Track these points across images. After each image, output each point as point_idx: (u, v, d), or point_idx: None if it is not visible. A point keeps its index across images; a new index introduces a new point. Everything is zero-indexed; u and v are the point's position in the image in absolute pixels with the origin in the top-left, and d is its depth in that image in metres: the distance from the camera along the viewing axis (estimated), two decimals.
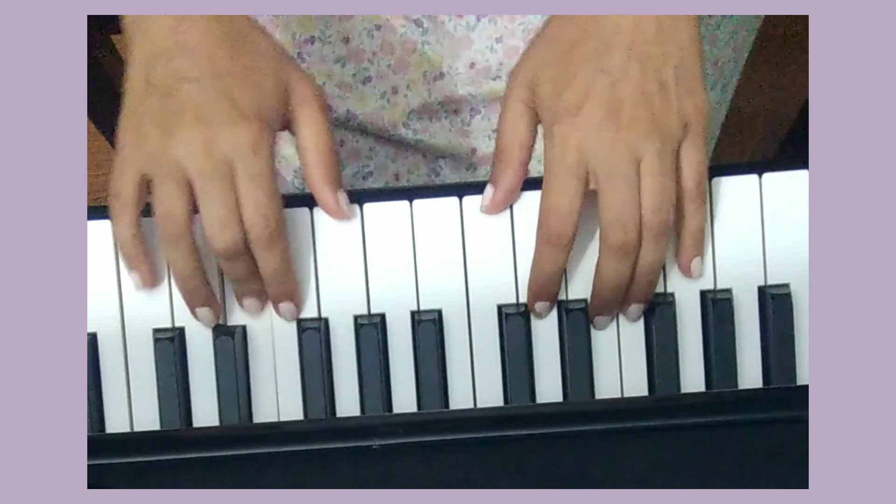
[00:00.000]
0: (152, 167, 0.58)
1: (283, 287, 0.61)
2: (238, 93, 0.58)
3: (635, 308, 0.61)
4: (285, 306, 0.62)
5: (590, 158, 0.57)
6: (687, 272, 0.62)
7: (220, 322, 0.62)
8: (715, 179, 0.62)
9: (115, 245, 0.62)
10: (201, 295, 0.61)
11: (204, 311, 0.61)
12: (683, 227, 0.60)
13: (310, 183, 0.61)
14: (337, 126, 0.78)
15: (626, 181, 0.57)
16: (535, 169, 0.70)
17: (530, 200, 0.61)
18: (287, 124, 0.61)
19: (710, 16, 0.76)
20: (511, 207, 0.62)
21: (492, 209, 0.61)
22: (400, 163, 0.80)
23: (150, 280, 0.61)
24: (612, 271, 0.59)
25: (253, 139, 0.57)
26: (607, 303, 0.61)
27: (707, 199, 0.60)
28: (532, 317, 0.62)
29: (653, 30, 0.58)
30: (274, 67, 0.60)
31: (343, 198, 0.61)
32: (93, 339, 0.62)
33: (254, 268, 0.60)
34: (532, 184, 0.61)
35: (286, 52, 0.62)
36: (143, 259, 0.61)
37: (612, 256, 0.59)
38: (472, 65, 0.75)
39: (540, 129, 0.60)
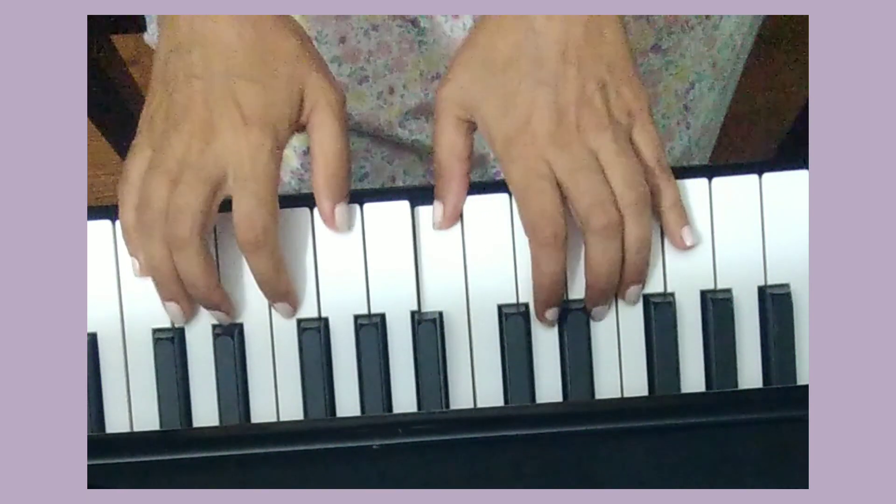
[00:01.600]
0: (152, 156, 0.59)
1: (275, 289, 0.61)
2: (245, 97, 0.58)
3: (633, 290, 0.61)
4: (280, 306, 0.62)
5: (550, 165, 0.58)
6: (681, 244, 0.61)
7: (232, 316, 0.62)
8: (715, 179, 0.62)
9: (115, 245, 0.62)
10: (169, 288, 0.60)
11: (172, 307, 0.61)
12: (661, 204, 0.60)
13: (313, 189, 0.61)
14: None
15: (590, 169, 0.58)
16: None
17: None
18: (302, 127, 0.61)
19: (708, 17, 0.76)
20: (511, 208, 0.62)
21: (445, 225, 0.62)
22: (396, 164, 0.80)
23: (147, 269, 0.61)
24: (601, 256, 0.59)
25: (252, 147, 0.57)
26: (603, 292, 0.61)
27: (671, 174, 0.61)
28: (532, 317, 0.62)
29: (581, 33, 0.58)
30: (289, 70, 0.59)
31: (342, 210, 0.61)
32: (93, 339, 0.62)
33: (203, 269, 0.59)
34: None
35: (312, 52, 0.61)
36: (142, 247, 0.61)
37: (598, 240, 0.59)
38: None
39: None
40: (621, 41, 0.59)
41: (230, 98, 0.58)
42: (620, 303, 0.62)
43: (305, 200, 0.62)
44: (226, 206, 0.59)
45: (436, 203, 0.62)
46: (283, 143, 0.59)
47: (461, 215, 0.62)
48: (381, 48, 0.75)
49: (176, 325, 0.62)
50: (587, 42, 0.58)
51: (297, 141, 0.79)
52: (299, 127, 0.60)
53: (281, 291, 0.61)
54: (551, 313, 0.61)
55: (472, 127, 0.61)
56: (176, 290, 0.60)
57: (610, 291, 0.61)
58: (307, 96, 0.60)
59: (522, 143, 0.58)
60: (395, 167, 0.80)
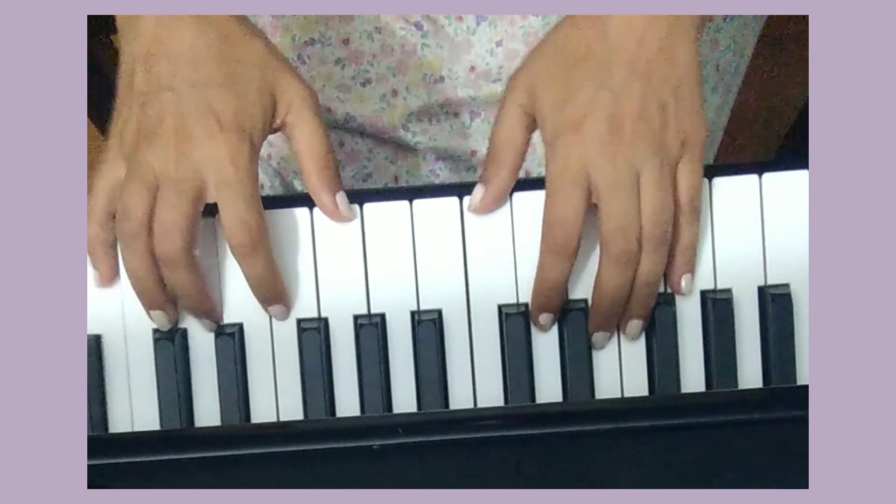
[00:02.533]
0: (127, 171, 0.58)
1: (270, 292, 0.61)
2: (218, 104, 0.58)
3: (635, 324, 0.61)
4: (274, 309, 0.62)
5: (591, 171, 0.58)
6: (677, 289, 0.62)
7: (219, 322, 0.62)
8: (715, 179, 0.62)
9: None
10: (154, 297, 0.60)
11: (157, 315, 0.61)
12: (676, 243, 0.60)
13: (308, 187, 0.61)
14: (336, 128, 0.78)
15: (628, 192, 0.58)
16: (536, 170, 0.70)
17: (530, 200, 0.61)
18: (278, 129, 0.61)
19: (711, 19, 0.76)
20: (511, 207, 0.62)
21: (481, 210, 0.61)
22: (399, 164, 0.80)
23: (108, 280, 0.61)
24: (612, 281, 0.59)
25: (231, 152, 0.57)
26: (607, 316, 0.61)
27: (699, 217, 0.61)
28: None
29: (655, 49, 0.58)
30: (259, 75, 0.59)
31: (342, 200, 0.61)
32: (96, 340, 0.62)
33: (194, 282, 0.59)
34: (532, 184, 0.61)
35: (277, 54, 0.61)
36: (104, 259, 0.61)
37: (613, 265, 0.59)
38: (472, 68, 0.75)
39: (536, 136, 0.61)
40: (693, 67, 0.59)
41: (204, 107, 0.58)
42: None
43: (305, 200, 0.62)
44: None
45: (479, 186, 0.61)
46: (259, 146, 0.59)
47: (461, 215, 0.62)
48: (384, 51, 0.75)
49: (163, 330, 0.62)
50: (659, 59, 0.58)
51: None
52: (273, 130, 0.61)
53: (276, 293, 0.61)
54: (545, 318, 0.61)
55: (532, 123, 0.60)
56: (161, 299, 0.60)
57: (613, 317, 0.61)
58: (280, 98, 0.60)
59: (571, 141, 0.58)
60: (398, 168, 0.80)
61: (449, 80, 0.75)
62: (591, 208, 0.58)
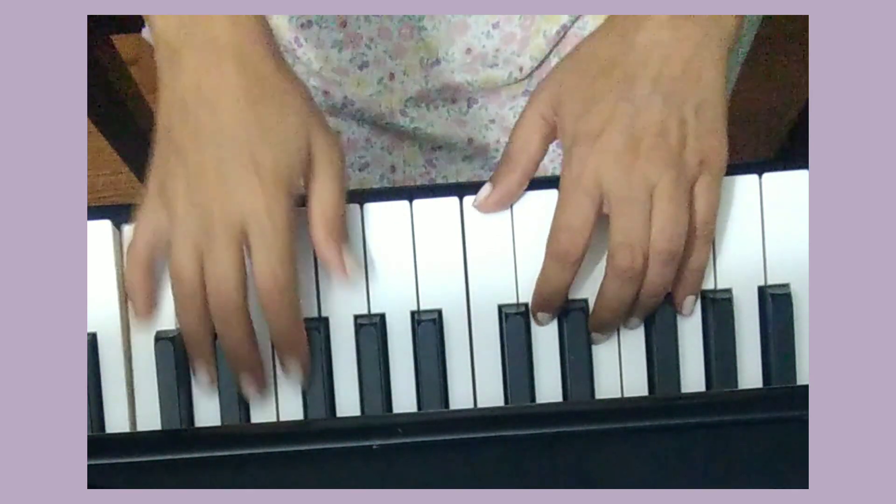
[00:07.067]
0: (171, 225, 0.58)
1: (288, 343, 0.60)
2: (259, 152, 0.57)
3: (635, 321, 0.62)
4: (288, 361, 0.60)
5: (605, 182, 0.58)
6: (679, 309, 0.62)
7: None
8: None
9: (115, 245, 0.62)
10: (203, 350, 0.60)
11: (201, 368, 0.61)
12: (686, 263, 0.60)
13: (313, 238, 0.59)
14: (333, 114, 0.78)
15: (639, 206, 0.58)
16: (539, 171, 0.70)
17: (532, 201, 0.61)
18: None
19: (738, 41, 0.76)
20: (511, 207, 0.62)
21: (484, 208, 0.61)
22: (396, 154, 0.80)
23: (145, 315, 0.61)
24: (615, 295, 0.59)
25: (268, 203, 0.56)
26: (607, 323, 0.61)
27: (711, 240, 0.61)
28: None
29: (680, 68, 0.58)
30: (298, 123, 0.58)
31: (349, 257, 0.59)
32: (93, 339, 0.62)
33: (245, 340, 0.59)
34: (535, 184, 0.61)
35: (311, 101, 0.60)
36: (144, 300, 0.61)
37: (616, 280, 0.59)
38: (469, 50, 0.75)
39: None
40: (718, 88, 0.59)
41: (244, 156, 0.57)
42: None
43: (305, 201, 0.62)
44: None
45: (487, 184, 0.61)
46: (296, 193, 0.58)
47: (461, 215, 0.62)
48: (381, 33, 0.75)
49: (203, 389, 0.62)
50: (683, 78, 0.58)
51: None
52: (305, 180, 0.59)
53: (293, 344, 0.60)
54: (543, 317, 0.61)
55: (551, 134, 0.61)
56: (209, 352, 0.60)
57: (614, 325, 0.61)
58: (313, 146, 0.58)
59: (587, 150, 0.58)
60: (395, 157, 0.80)
61: (446, 63, 0.75)
62: (605, 218, 0.58)
